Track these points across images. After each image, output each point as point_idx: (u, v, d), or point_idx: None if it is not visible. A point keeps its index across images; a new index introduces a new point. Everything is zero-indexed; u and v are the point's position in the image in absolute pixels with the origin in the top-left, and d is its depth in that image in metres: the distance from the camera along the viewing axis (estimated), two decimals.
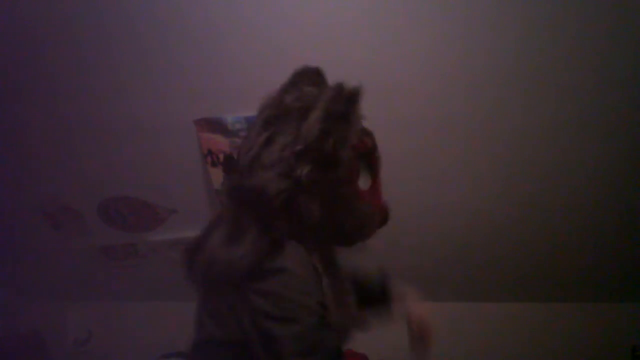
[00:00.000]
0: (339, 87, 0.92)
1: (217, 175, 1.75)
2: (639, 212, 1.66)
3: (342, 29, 1.40)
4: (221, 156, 1.70)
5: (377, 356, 1.85)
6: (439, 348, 2.07)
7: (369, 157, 0.98)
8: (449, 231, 1.82)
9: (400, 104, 1.53)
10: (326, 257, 0.95)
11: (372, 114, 1.56)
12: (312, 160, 0.85)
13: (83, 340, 2.36)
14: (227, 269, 0.83)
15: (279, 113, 0.92)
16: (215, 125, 1.64)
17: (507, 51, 1.39)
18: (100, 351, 2.34)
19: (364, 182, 0.98)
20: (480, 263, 1.89)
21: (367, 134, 0.99)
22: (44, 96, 1.67)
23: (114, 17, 1.45)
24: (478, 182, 1.67)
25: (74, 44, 1.52)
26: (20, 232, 2.12)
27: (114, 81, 1.60)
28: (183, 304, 2.24)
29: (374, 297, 1.15)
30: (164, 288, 2.22)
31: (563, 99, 1.45)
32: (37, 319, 2.36)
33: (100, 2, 1.42)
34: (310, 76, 1.00)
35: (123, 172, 1.84)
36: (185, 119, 1.64)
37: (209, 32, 1.45)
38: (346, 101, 0.90)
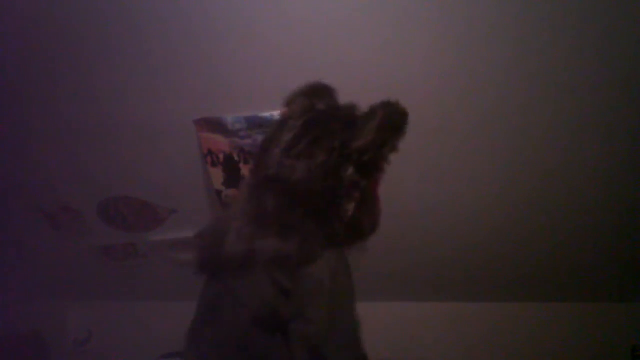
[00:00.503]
0: (395, 103, 1.04)
1: (217, 175, 1.75)
2: (639, 212, 1.66)
3: (342, 29, 1.40)
4: (221, 156, 1.70)
5: (378, 356, 1.85)
6: (439, 348, 2.08)
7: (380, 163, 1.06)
8: (449, 231, 1.82)
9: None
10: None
11: None
12: (357, 163, 0.95)
13: (83, 340, 2.36)
14: (281, 259, 0.91)
15: (319, 118, 0.98)
16: (215, 125, 1.64)
17: (507, 51, 1.39)
18: (100, 351, 2.34)
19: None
20: (480, 263, 1.89)
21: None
22: (44, 96, 1.67)
23: (114, 17, 1.45)
24: (478, 182, 1.67)
25: (73, 43, 1.52)
26: (20, 232, 2.12)
27: (114, 81, 1.60)
28: (183, 304, 2.24)
29: None
30: (164, 288, 2.22)
31: (563, 98, 1.45)
32: (37, 319, 2.36)
33: (100, 2, 1.42)
34: (324, 90, 1.11)
35: (123, 172, 1.84)
36: (185, 119, 1.64)
37: (209, 32, 1.45)
38: (402, 115, 1.03)
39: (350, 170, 0.94)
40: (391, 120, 1.00)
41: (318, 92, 1.09)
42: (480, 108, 1.51)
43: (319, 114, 1.01)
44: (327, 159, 0.92)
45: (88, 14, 1.45)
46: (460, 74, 1.45)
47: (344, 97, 1.50)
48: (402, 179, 1.67)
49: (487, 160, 1.62)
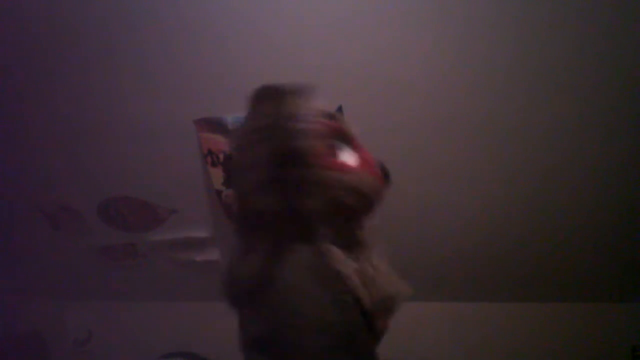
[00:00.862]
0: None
1: (217, 175, 1.75)
2: (639, 212, 1.66)
3: (342, 29, 1.40)
4: (221, 156, 1.70)
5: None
6: (439, 348, 2.08)
7: (341, 135, 1.05)
8: (449, 231, 1.82)
9: (399, 103, 1.53)
10: (348, 240, 0.98)
11: (371, 114, 1.57)
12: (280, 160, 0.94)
13: (83, 340, 2.36)
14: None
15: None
16: (215, 125, 1.64)
17: (507, 51, 1.39)
18: (100, 351, 2.33)
19: (349, 157, 1.03)
20: (480, 263, 1.89)
21: (332, 116, 1.06)
22: (44, 96, 1.67)
23: (113, 17, 1.45)
24: (477, 181, 1.67)
25: (73, 43, 1.52)
26: (20, 232, 2.12)
27: (114, 81, 1.60)
28: (183, 304, 2.24)
29: None
30: (164, 288, 2.22)
31: (563, 98, 1.45)
32: (37, 319, 2.36)
33: (100, 2, 1.42)
34: (267, 94, 1.10)
35: (123, 172, 1.84)
36: (185, 119, 1.64)
37: (209, 32, 1.46)
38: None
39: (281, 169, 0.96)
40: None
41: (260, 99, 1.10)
42: (480, 108, 1.51)
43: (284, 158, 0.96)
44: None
45: (88, 14, 1.45)
46: (459, 74, 1.45)
47: (344, 97, 1.51)
48: (402, 179, 1.67)
49: (487, 160, 1.62)
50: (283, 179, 0.93)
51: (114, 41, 1.50)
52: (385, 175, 1.07)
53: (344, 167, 1.00)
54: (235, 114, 1.61)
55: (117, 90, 1.62)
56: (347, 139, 1.06)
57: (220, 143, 1.67)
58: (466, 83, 1.46)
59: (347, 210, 0.98)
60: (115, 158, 1.80)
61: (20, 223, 2.09)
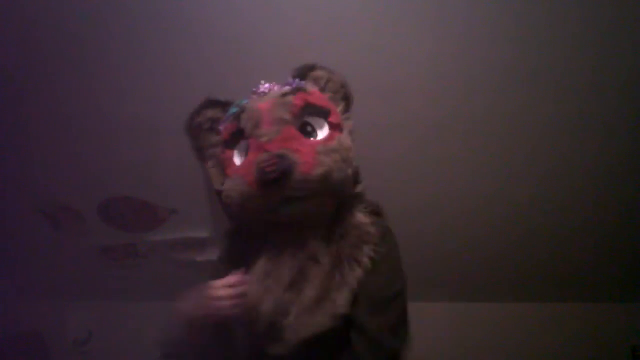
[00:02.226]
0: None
1: (217, 175, 1.75)
2: (639, 212, 1.66)
3: (341, 30, 1.40)
4: None
5: None
6: (439, 348, 2.08)
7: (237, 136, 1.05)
8: (448, 231, 1.82)
9: (399, 103, 1.53)
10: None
11: (371, 114, 1.57)
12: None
13: (83, 340, 2.36)
14: None
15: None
16: None
17: (506, 51, 1.39)
18: (100, 351, 2.33)
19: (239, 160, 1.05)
20: (479, 263, 1.89)
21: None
22: (44, 96, 1.67)
23: (113, 17, 1.45)
24: (477, 182, 1.67)
25: (73, 43, 1.52)
26: (20, 232, 2.12)
27: (114, 81, 1.60)
28: None
29: None
30: (164, 288, 2.22)
31: (562, 98, 1.45)
32: (37, 319, 2.35)
33: (100, 2, 1.42)
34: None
35: (123, 172, 1.84)
36: (185, 119, 1.64)
37: (209, 32, 1.46)
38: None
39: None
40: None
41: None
42: (480, 108, 1.51)
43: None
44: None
45: (88, 14, 1.45)
46: (459, 74, 1.45)
47: None
48: (401, 179, 1.67)
49: (486, 160, 1.62)
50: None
51: (114, 41, 1.50)
52: (263, 180, 0.91)
53: (231, 171, 1.04)
54: None
55: (117, 90, 1.62)
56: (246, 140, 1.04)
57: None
58: (466, 83, 1.46)
59: (231, 212, 1.04)
60: (115, 158, 1.80)
61: (20, 223, 2.09)
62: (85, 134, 1.74)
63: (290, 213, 0.96)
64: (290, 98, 1.01)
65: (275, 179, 0.89)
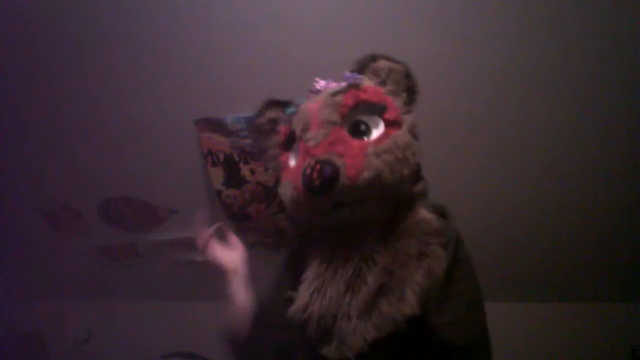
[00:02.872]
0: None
1: (217, 175, 1.75)
2: (639, 212, 1.66)
3: (341, 29, 1.40)
4: (221, 156, 1.70)
5: None
6: None
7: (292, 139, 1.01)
8: None
9: None
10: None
11: None
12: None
13: (83, 340, 2.36)
14: None
15: None
16: (215, 125, 1.64)
17: (505, 51, 1.39)
18: (100, 351, 2.33)
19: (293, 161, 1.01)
20: (479, 263, 1.88)
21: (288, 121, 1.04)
22: (44, 96, 1.67)
23: (113, 18, 1.45)
24: (476, 182, 1.67)
25: (73, 44, 1.52)
26: (20, 232, 2.12)
27: (114, 81, 1.60)
28: (183, 303, 2.24)
29: None
30: (164, 288, 2.22)
31: (561, 98, 1.45)
32: (37, 319, 2.36)
33: (99, 3, 1.42)
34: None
35: (123, 172, 1.84)
36: (185, 119, 1.64)
37: (209, 33, 1.46)
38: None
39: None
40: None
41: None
42: (479, 108, 1.51)
43: None
44: None
45: (87, 15, 1.45)
46: (458, 75, 1.45)
47: None
48: None
49: (486, 160, 1.62)
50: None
51: (114, 41, 1.50)
52: (308, 187, 0.88)
53: (285, 174, 1.01)
54: (235, 114, 1.61)
55: (118, 90, 1.62)
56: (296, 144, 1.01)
57: (220, 143, 1.67)
58: (465, 83, 1.46)
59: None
60: (115, 158, 1.80)
61: (20, 223, 2.09)
62: (86, 135, 1.74)
63: (340, 219, 0.92)
64: (339, 97, 0.96)
65: (320, 187, 0.86)
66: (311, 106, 0.99)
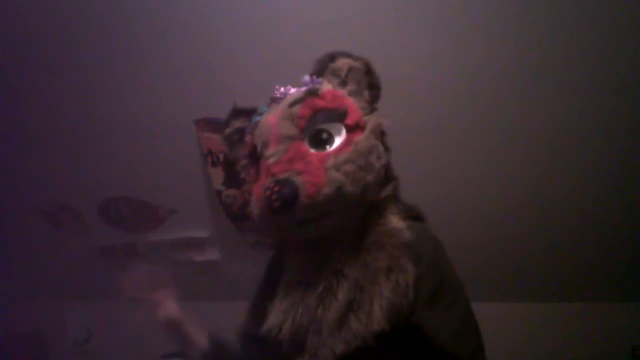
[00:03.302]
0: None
1: (217, 175, 1.75)
2: (639, 212, 1.66)
3: (340, 30, 1.40)
4: (221, 156, 1.70)
5: None
6: None
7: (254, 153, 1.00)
8: (447, 231, 1.81)
9: (397, 103, 1.52)
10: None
11: None
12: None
13: (83, 340, 2.36)
14: None
15: None
16: (215, 125, 1.64)
17: (506, 51, 1.39)
18: (100, 351, 2.33)
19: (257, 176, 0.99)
20: (479, 263, 1.89)
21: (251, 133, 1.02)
22: (44, 96, 1.67)
23: (113, 18, 1.45)
24: (476, 182, 1.67)
25: (73, 44, 1.52)
26: (20, 232, 2.12)
27: (114, 81, 1.60)
28: (183, 303, 2.24)
29: None
30: None
31: (562, 98, 1.45)
32: (37, 319, 2.35)
33: (99, 3, 1.42)
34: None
35: (123, 172, 1.84)
36: (185, 119, 1.64)
37: (208, 33, 1.46)
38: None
39: None
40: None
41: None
42: (479, 108, 1.51)
43: None
44: None
45: (87, 15, 1.45)
46: (458, 74, 1.45)
47: None
48: (400, 179, 1.66)
49: (486, 160, 1.62)
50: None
51: (114, 41, 1.50)
52: (269, 208, 0.86)
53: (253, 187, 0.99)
54: None
55: (118, 90, 1.62)
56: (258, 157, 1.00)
57: (220, 143, 1.67)
58: (465, 83, 1.46)
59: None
60: (115, 158, 1.80)
61: (20, 223, 2.09)
62: (86, 134, 1.74)
63: (306, 234, 0.91)
64: (296, 109, 0.94)
65: (280, 208, 0.84)
66: (271, 119, 0.97)
